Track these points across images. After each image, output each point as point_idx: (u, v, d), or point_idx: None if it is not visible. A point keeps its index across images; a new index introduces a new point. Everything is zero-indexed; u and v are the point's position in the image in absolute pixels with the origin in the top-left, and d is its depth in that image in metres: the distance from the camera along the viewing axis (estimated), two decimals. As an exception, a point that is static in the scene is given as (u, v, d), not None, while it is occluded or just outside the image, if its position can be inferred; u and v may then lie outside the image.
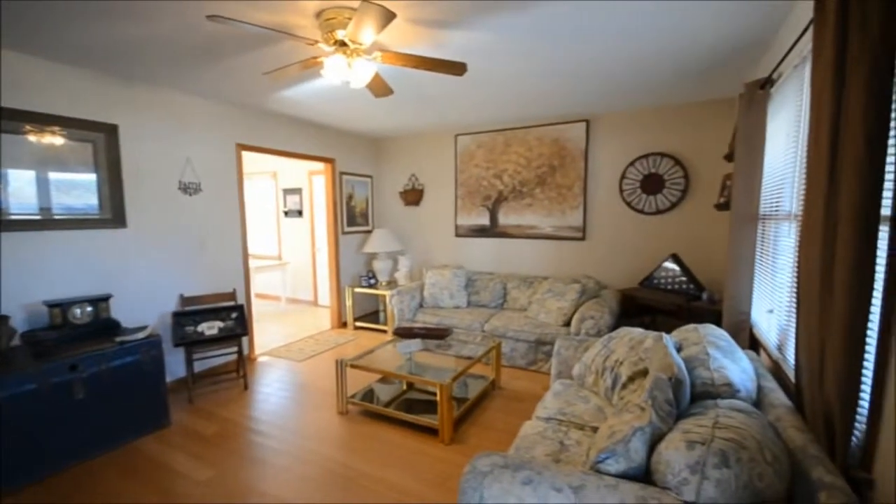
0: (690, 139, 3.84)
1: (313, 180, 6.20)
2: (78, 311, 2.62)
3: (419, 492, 2.14)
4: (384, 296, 5.00)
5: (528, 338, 3.74)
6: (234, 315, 3.45)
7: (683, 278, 3.57)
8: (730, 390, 1.50)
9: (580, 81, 3.15)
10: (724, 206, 3.07)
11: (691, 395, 1.52)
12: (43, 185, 2.66)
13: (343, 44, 2.02)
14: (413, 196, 5.36)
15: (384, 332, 4.95)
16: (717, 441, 1.13)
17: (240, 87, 3.25)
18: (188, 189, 3.44)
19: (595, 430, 1.86)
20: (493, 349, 3.35)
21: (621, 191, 4.18)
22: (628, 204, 4.15)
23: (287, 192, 6.52)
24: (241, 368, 3.48)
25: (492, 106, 3.87)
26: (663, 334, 1.85)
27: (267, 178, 6.68)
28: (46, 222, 2.67)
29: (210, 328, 3.26)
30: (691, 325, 1.92)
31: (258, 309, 5.81)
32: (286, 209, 6.58)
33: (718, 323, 2.52)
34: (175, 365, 3.31)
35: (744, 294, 2.43)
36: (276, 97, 3.56)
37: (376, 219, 5.74)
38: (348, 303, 5.12)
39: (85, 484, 2.23)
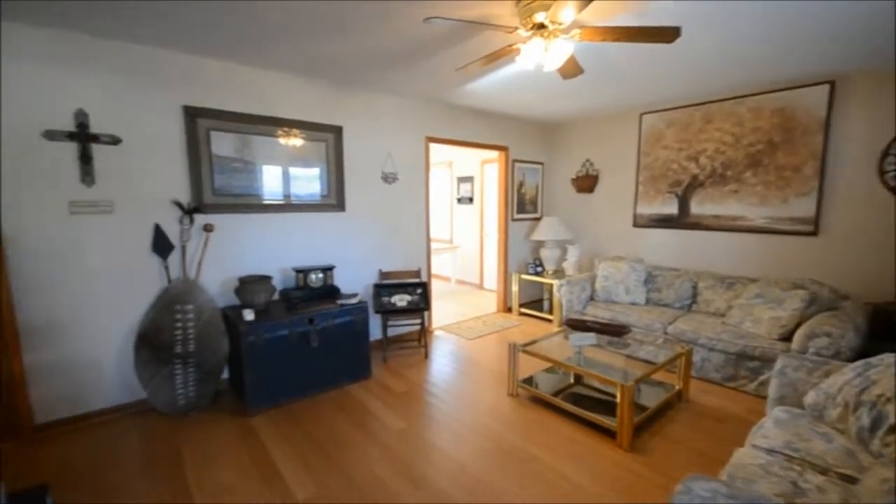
0: None
1: (485, 169, 6.44)
2: (314, 276, 3.32)
3: (598, 493, 2.06)
4: (551, 285, 4.92)
5: (726, 348, 3.18)
6: (418, 291, 3.87)
7: None
8: None
9: (827, 27, 2.44)
10: None
11: None
12: (286, 178, 3.40)
13: (541, 26, 1.99)
14: (586, 183, 5.08)
15: (548, 321, 4.88)
16: None
17: (431, 84, 3.56)
18: (388, 178, 3.98)
19: (847, 478, 1.46)
20: (681, 356, 2.96)
21: (882, 173, 3.14)
22: (894, 191, 3.09)
23: (461, 180, 6.94)
24: (423, 338, 3.91)
25: (691, 76, 3.34)
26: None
27: (443, 167, 7.23)
28: (288, 206, 3.42)
29: (400, 300, 3.73)
30: None
31: (432, 286, 6.40)
32: (459, 196, 7.02)
33: None
34: (373, 328, 3.92)
35: None
36: (460, 91, 3.78)
37: (546, 206, 5.65)
38: (514, 289, 5.21)
39: (311, 412, 2.83)
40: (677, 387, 3.00)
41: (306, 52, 2.84)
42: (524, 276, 5.16)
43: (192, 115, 2.92)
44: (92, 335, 2.68)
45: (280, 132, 3.32)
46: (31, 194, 2.44)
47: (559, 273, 5.05)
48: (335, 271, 3.57)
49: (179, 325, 2.82)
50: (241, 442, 2.47)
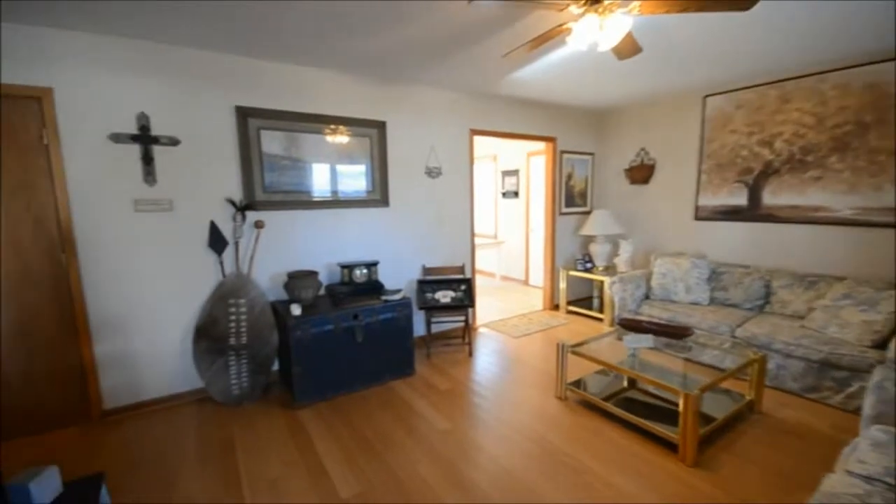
0: None
1: (531, 161, 6.23)
2: (358, 272, 3.33)
3: (657, 509, 1.89)
4: (601, 282, 4.67)
5: (806, 355, 2.84)
6: (462, 287, 3.79)
7: None
8: None
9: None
10: None
11: None
12: (331, 174, 3.42)
13: (595, 1, 1.83)
14: (641, 173, 4.76)
15: (598, 319, 4.64)
16: None
17: (475, 74, 3.45)
18: (432, 173, 3.92)
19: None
20: (753, 362, 2.67)
21: None
22: None
23: (505, 173, 6.77)
24: (467, 336, 3.83)
25: (765, 51, 2.99)
26: None
27: (488, 161, 7.09)
28: (333, 202, 3.44)
29: (444, 297, 3.67)
30: None
31: (476, 282, 6.31)
32: (504, 190, 6.86)
33: None
34: (417, 324, 3.89)
35: None
36: (505, 80, 3.64)
37: (596, 199, 5.37)
38: (562, 285, 5.00)
39: (356, 407, 2.84)
40: (748, 397, 2.71)
41: (352, 49, 2.83)
42: (572, 273, 4.94)
43: (244, 115, 3.00)
44: (154, 326, 2.83)
45: (326, 129, 3.34)
46: (100, 193, 2.61)
47: (610, 269, 4.78)
48: (379, 267, 3.57)
49: (233, 317, 2.92)
50: (289, 435, 2.52)
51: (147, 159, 2.72)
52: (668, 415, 2.50)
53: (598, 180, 5.33)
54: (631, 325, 3.07)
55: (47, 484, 1.21)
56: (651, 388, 2.87)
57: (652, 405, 2.71)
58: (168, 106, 2.75)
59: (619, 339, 3.04)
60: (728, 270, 3.82)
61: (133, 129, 2.67)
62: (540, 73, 3.46)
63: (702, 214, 4.26)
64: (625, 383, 2.99)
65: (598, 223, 4.75)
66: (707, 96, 4.11)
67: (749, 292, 3.63)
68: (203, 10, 2.23)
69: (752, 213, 3.88)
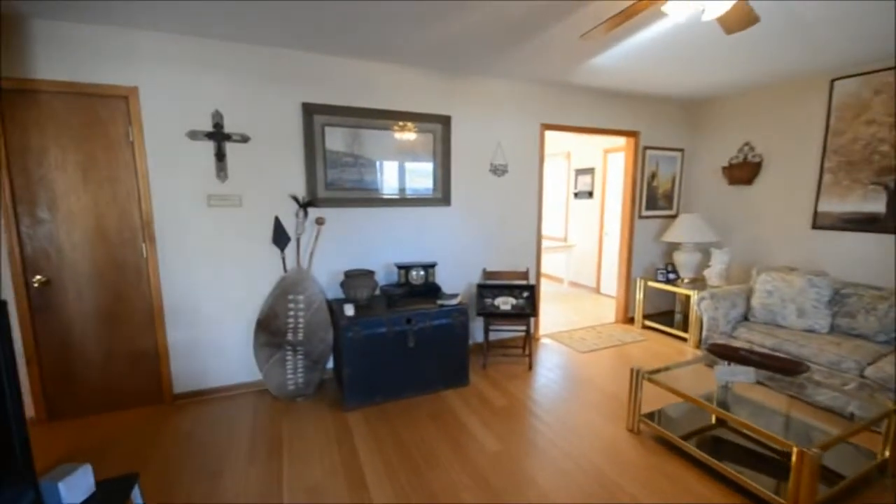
0: None
1: (609, 159, 5.72)
2: (415, 273, 3.22)
3: None
4: (687, 296, 4.11)
5: (975, 411, 2.18)
6: (525, 294, 3.51)
7: None
8: None
9: None
10: None
11: None
12: (396, 171, 3.33)
13: (701, -39, 1.48)
14: (744, 172, 4.09)
15: (680, 339, 4.09)
16: None
17: (547, 62, 3.14)
18: (497, 171, 3.69)
19: None
20: (891, 414, 2.10)
21: None
22: None
23: (579, 172, 6.30)
24: (527, 347, 3.55)
25: (937, 17, 2.33)
26: None
27: (560, 158, 6.66)
28: (393, 200, 3.34)
29: (504, 303, 3.43)
30: None
31: (541, 289, 5.95)
32: (576, 190, 6.39)
33: None
34: (474, 330, 3.69)
35: None
36: (581, 68, 3.28)
37: (684, 202, 4.75)
38: (639, 296, 4.49)
39: (405, 416, 2.71)
40: (880, 456, 2.14)
41: (416, 39, 2.69)
42: (652, 283, 4.41)
43: (310, 112, 3.01)
44: (221, 317, 2.94)
45: (388, 124, 3.25)
46: (178, 188, 2.75)
47: (699, 282, 4.19)
48: (437, 269, 3.42)
49: (292, 313, 2.95)
50: (335, 440, 2.46)
51: (220, 156, 2.82)
52: (768, 463, 2.05)
53: (688, 180, 4.71)
54: (725, 353, 2.59)
55: (79, 483, 1.22)
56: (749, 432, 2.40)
57: (747, 449, 2.26)
58: (239, 103, 2.83)
59: (710, 366, 2.59)
60: (856, 293, 3.12)
61: (208, 126, 2.77)
62: (622, 58, 3.06)
63: (823, 222, 3.53)
64: (713, 419, 2.54)
65: (685, 228, 4.18)
66: (835, 79, 3.39)
67: (885, 322, 2.92)
68: (285, 9, 2.23)
69: (893, 222, 3.13)
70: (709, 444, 2.32)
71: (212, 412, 2.76)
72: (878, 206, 3.21)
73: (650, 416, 2.54)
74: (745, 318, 3.45)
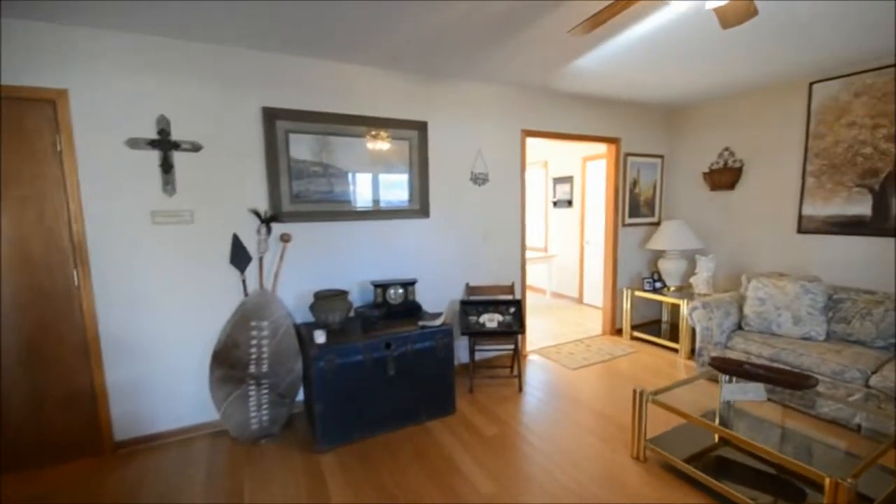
0: None
1: (587, 167, 5.63)
2: (392, 291, 2.94)
3: None
4: (672, 304, 4.00)
5: None
6: (511, 310, 3.28)
7: None
8: None
9: None
10: None
11: None
12: (366, 182, 3.05)
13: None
14: (725, 177, 4.03)
15: (670, 349, 3.96)
16: None
17: (530, 65, 2.98)
18: (478, 179, 3.47)
19: None
20: (914, 430, 1.97)
21: None
22: None
23: (557, 181, 6.20)
24: (516, 366, 3.31)
25: (923, 15, 2.29)
26: None
27: (537, 167, 6.55)
28: (366, 213, 3.06)
29: (491, 321, 3.19)
30: None
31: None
32: (555, 199, 6.27)
33: None
34: (459, 349, 3.42)
35: None
36: (563, 71, 3.14)
37: (666, 208, 4.68)
38: (626, 307, 4.34)
39: (385, 455, 2.40)
40: (904, 475, 2.00)
41: (391, 35, 2.45)
42: (639, 293, 4.27)
43: (271, 117, 2.72)
44: (170, 351, 2.57)
45: (359, 131, 2.99)
46: (116, 205, 2.39)
47: (686, 290, 4.08)
48: (417, 286, 3.16)
49: (254, 342, 2.61)
50: (305, 488, 2.12)
51: (166, 167, 2.49)
52: (784, 487, 1.87)
53: (669, 187, 4.64)
54: (727, 368, 2.42)
55: None
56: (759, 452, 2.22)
57: (756, 470, 2.08)
58: (189, 108, 2.51)
59: (711, 380, 2.41)
60: (849, 297, 3.04)
61: (152, 133, 2.44)
62: (604, 62, 2.93)
63: (809, 226, 3.48)
64: (715, 438, 2.36)
65: (669, 236, 4.07)
66: (814, 82, 3.37)
67: (882, 327, 2.84)
68: (239, 5, 1.95)
69: (879, 224, 3.09)
70: (720, 467, 2.13)
71: (160, 462, 2.37)
72: (863, 208, 3.16)
73: (655, 440, 2.33)
74: (739, 326, 3.33)
